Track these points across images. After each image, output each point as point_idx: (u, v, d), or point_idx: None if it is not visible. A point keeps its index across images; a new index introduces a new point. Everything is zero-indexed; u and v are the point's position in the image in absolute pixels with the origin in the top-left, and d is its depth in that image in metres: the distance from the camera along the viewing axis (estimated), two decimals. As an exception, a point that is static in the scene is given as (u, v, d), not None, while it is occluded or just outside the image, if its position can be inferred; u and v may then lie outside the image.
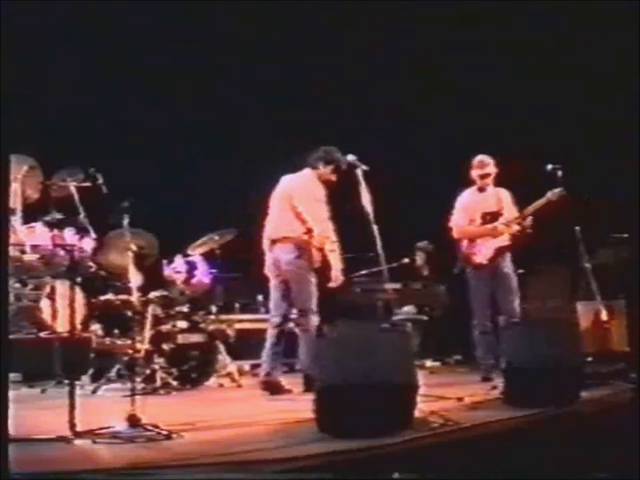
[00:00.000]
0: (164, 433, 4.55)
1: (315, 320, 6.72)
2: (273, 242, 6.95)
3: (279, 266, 6.91)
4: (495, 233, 7.50)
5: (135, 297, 5.95)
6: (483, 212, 7.59)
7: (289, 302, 6.95)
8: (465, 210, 7.66)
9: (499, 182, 7.69)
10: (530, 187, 7.55)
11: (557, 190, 7.23)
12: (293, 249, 6.85)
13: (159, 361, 6.97)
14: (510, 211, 7.57)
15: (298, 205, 6.89)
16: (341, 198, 7.19)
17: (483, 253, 7.50)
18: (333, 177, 7.03)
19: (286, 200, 6.96)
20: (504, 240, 7.51)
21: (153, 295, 7.22)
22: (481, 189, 7.64)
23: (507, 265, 7.53)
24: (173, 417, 5.14)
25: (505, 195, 7.65)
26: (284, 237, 6.89)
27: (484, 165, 7.58)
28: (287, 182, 7.10)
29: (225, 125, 9.71)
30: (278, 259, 6.91)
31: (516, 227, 7.44)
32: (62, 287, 7.33)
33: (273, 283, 7.02)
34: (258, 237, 7.13)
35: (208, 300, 8.19)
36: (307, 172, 7.09)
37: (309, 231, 6.88)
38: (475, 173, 7.60)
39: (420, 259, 10.03)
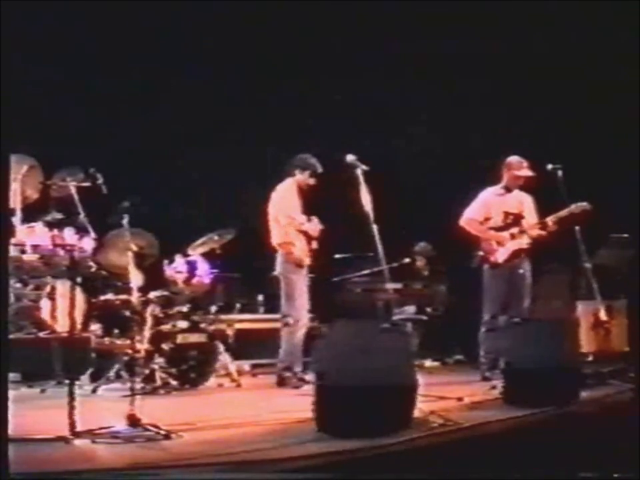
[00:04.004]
0: (163, 432, 4.56)
1: (304, 319, 7.35)
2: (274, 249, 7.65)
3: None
4: (499, 239, 7.48)
5: (134, 297, 5.94)
6: (505, 211, 7.54)
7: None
8: (485, 206, 7.60)
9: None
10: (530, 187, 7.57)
11: (581, 204, 7.18)
12: (281, 254, 7.50)
13: (158, 361, 6.95)
14: (531, 216, 7.54)
15: (279, 218, 7.50)
16: (341, 198, 7.22)
17: (501, 253, 7.47)
18: (312, 182, 7.59)
19: (272, 212, 7.60)
20: (523, 242, 7.49)
21: (152, 294, 7.20)
22: (508, 189, 7.58)
23: (524, 266, 7.51)
24: (173, 416, 5.14)
25: (527, 199, 7.60)
26: (277, 244, 7.53)
27: (522, 166, 7.48)
28: (272, 195, 7.67)
29: (224, 124, 9.69)
30: (276, 264, 7.56)
31: (521, 240, 7.43)
32: (62, 286, 7.32)
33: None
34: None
35: (208, 300, 8.19)
36: (287, 182, 7.65)
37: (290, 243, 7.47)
38: (512, 173, 7.49)
39: (420, 260, 10.04)
